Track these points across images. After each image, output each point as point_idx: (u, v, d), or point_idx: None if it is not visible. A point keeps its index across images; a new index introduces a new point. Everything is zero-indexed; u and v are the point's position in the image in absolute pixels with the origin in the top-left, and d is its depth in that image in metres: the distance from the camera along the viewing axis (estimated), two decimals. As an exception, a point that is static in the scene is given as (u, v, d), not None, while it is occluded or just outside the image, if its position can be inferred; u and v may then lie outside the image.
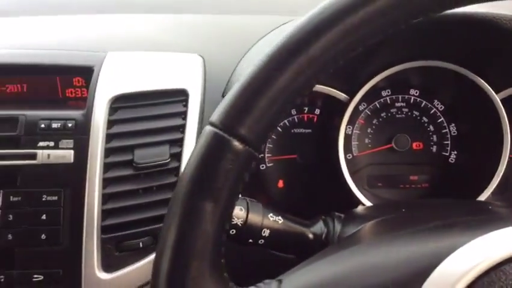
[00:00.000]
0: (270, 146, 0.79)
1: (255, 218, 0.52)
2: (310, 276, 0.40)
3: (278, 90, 0.38)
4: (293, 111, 0.80)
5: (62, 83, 0.70)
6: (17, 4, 0.89)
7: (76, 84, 0.70)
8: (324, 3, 0.38)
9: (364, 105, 0.78)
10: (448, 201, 0.61)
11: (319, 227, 0.55)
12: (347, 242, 0.47)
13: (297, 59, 0.37)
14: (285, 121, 0.79)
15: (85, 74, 0.69)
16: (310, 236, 0.55)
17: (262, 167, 0.78)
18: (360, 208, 0.64)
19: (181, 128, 0.66)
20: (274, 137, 0.79)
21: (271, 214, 0.53)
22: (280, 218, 0.54)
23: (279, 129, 0.79)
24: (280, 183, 0.80)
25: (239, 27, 0.85)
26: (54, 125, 0.62)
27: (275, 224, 0.53)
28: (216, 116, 0.38)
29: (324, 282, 0.39)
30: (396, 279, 0.37)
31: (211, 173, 0.37)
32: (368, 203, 0.71)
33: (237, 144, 0.37)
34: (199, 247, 0.38)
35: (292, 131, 0.80)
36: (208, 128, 0.38)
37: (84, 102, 0.68)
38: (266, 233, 0.53)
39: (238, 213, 0.51)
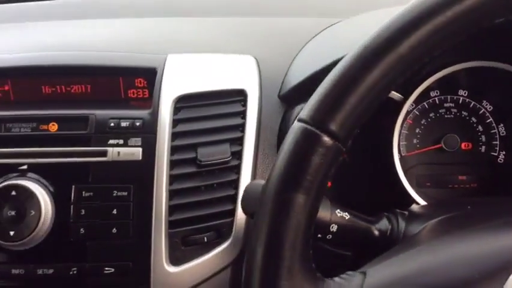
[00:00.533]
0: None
1: (324, 213, 0.54)
2: (395, 269, 0.42)
3: (367, 87, 0.40)
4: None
5: (124, 83, 0.73)
6: (80, 7, 0.93)
7: (138, 85, 0.73)
8: (413, 2, 0.40)
9: (413, 105, 0.79)
10: (509, 199, 0.62)
11: (384, 223, 0.57)
12: (422, 238, 0.49)
13: (387, 57, 0.39)
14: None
15: (147, 75, 0.72)
16: (376, 232, 0.56)
17: None
18: (420, 206, 0.65)
19: (241, 127, 0.68)
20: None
21: (338, 210, 0.55)
22: (347, 213, 0.56)
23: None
24: (329, 183, 0.81)
25: (287, 29, 0.87)
26: (123, 124, 0.65)
27: (342, 220, 0.55)
28: (305, 112, 0.40)
29: (410, 275, 0.40)
30: (483, 270, 0.38)
31: (303, 166, 0.39)
32: (423, 202, 0.73)
33: (327, 139, 0.40)
34: (291, 238, 0.40)
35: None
36: (298, 125, 0.40)
37: (145, 102, 0.71)
38: (334, 228, 0.55)
39: None
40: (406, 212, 0.58)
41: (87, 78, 0.73)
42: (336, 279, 0.42)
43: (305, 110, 0.41)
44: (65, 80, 0.73)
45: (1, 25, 0.94)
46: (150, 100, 0.71)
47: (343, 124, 0.40)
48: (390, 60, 0.39)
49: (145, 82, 0.73)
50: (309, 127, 0.40)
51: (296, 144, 0.40)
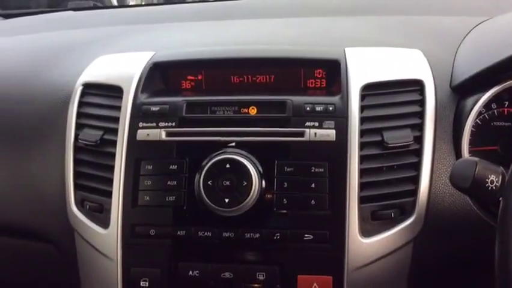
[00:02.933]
0: (470, 137, 0.84)
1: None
2: None
3: None
4: (493, 105, 0.84)
5: (305, 74, 0.81)
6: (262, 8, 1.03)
7: (317, 75, 0.80)
8: None
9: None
10: None
11: None
12: None
13: None
14: (485, 114, 0.84)
15: (327, 66, 0.79)
16: None
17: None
18: None
19: (419, 115, 0.74)
20: (474, 129, 0.85)
21: None
22: None
23: (478, 121, 0.84)
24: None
25: (441, 26, 0.92)
26: (318, 108, 0.72)
27: None
28: None
29: None
30: None
31: None
32: None
33: None
34: None
35: (492, 123, 0.84)
36: None
37: (321, 91, 0.78)
38: None
39: None
40: None
41: (272, 69, 0.81)
42: None
43: None
44: (252, 70, 0.81)
45: (170, 24, 1.06)
46: (327, 89, 0.78)
47: None
48: None
49: (324, 73, 0.80)
50: None
51: None
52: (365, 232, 0.69)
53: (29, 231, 0.83)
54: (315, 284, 0.68)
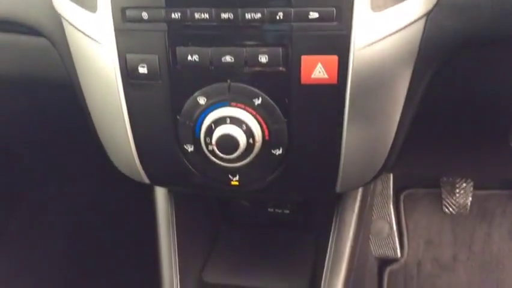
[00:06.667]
0: None
1: None
2: None
3: None
4: None
5: None
6: None
7: None
8: None
9: None
10: None
11: None
12: None
13: None
14: None
15: None
16: None
17: None
18: None
19: None
20: None
21: None
22: None
23: None
24: None
25: None
26: None
27: None
28: None
29: None
30: None
31: None
32: None
33: None
34: None
35: None
36: None
37: None
38: None
39: None
40: None
41: None
42: None
43: None
44: None
45: None
46: None
47: None
48: None
49: None
50: None
51: None
52: (376, 7, 0.64)
53: (18, 22, 0.78)
54: (319, 64, 0.66)
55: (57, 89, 0.88)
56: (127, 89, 0.71)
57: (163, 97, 0.71)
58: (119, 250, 1.75)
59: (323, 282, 0.94)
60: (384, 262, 1.80)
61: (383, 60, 0.67)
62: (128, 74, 0.69)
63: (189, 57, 0.67)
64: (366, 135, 0.73)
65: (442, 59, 0.71)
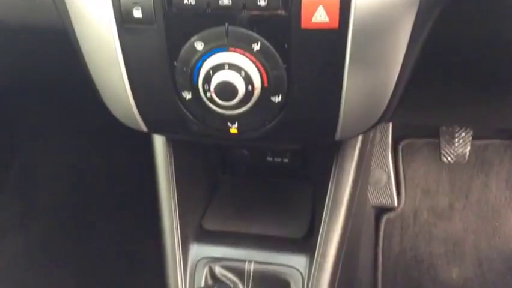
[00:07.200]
0: None
1: None
2: None
3: None
4: None
5: None
6: None
7: None
8: None
9: None
10: None
11: None
12: None
13: None
14: None
15: None
16: None
17: None
18: None
19: None
20: None
21: None
22: None
23: None
24: None
25: None
26: None
27: None
28: None
29: None
30: None
31: None
32: None
33: None
34: None
35: None
36: None
37: None
38: None
39: None
40: None
41: None
42: None
43: None
44: None
45: None
46: None
47: None
48: None
49: None
50: None
51: None
52: None
53: None
54: (320, 7, 0.63)
55: (54, 38, 0.86)
56: (121, 35, 0.69)
57: (159, 42, 0.69)
58: (121, 201, 1.78)
59: (321, 229, 0.95)
60: (382, 211, 1.83)
61: (386, 3, 0.65)
62: (122, 18, 0.67)
63: (185, 0, 0.65)
64: (367, 82, 0.71)
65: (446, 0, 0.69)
